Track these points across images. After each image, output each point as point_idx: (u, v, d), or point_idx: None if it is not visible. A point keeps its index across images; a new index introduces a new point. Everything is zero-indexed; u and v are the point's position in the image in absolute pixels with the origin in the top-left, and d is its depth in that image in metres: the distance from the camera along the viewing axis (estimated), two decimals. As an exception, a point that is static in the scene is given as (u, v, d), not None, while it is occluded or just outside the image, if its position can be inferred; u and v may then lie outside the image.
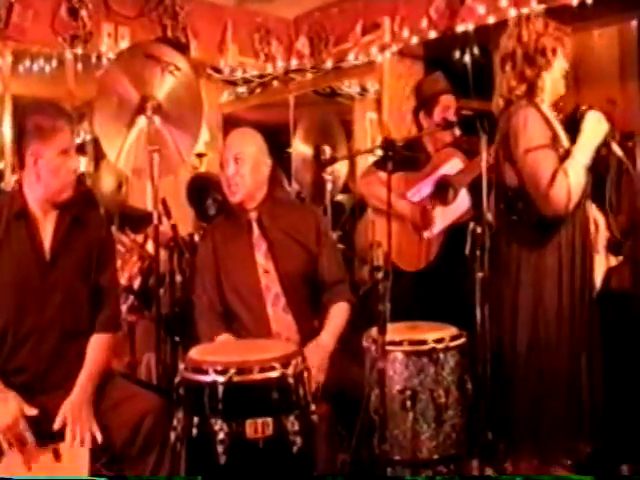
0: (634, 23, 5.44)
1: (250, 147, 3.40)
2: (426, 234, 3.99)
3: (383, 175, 3.96)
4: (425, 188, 4.02)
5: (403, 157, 3.87)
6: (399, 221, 4.04)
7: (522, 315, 3.08)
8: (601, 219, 3.18)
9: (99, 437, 2.75)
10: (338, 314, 3.32)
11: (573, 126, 3.04)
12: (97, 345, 2.93)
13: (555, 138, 3.00)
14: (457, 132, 4.00)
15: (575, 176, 2.91)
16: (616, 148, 2.98)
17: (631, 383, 3.24)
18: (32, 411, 2.71)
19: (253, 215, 3.39)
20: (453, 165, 3.92)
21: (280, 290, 3.31)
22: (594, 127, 2.97)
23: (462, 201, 3.84)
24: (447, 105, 4.16)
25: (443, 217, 3.97)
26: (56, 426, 2.73)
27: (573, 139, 3.02)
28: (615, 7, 4.72)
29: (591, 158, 2.96)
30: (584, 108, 3.01)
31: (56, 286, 2.85)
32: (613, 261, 3.38)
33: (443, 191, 3.98)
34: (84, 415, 2.76)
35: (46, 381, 2.83)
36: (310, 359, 2.90)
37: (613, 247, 3.37)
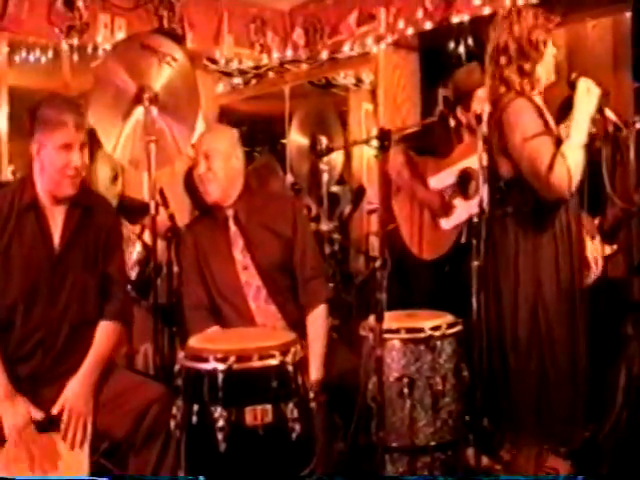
0: (628, 14, 5.45)
1: (219, 143, 3.39)
2: (443, 223, 3.99)
3: (411, 154, 4.00)
4: (448, 177, 4.02)
5: (434, 142, 3.89)
6: (418, 207, 4.04)
7: (521, 302, 3.11)
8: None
9: (89, 428, 2.76)
10: (318, 325, 3.30)
11: (568, 103, 3.07)
12: (104, 332, 2.93)
13: (547, 125, 3.04)
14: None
15: (573, 157, 2.93)
16: (609, 114, 3.00)
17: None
18: (39, 414, 2.73)
19: (230, 212, 3.39)
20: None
21: (261, 283, 3.32)
22: (586, 96, 2.98)
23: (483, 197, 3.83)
24: (483, 98, 4.05)
25: (462, 210, 3.96)
26: (55, 410, 2.75)
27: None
28: (608, -2, 4.74)
29: (588, 130, 2.97)
30: (574, 76, 3.02)
31: (65, 278, 2.86)
32: (608, 250, 3.41)
33: (465, 184, 3.99)
34: (83, 401, 2.77)
35: (54, 372, 2.84)
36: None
37: (607, 236, 3.40)
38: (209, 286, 3.37)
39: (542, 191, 3.01)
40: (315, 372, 3.11)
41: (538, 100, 3.12)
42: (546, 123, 3.05)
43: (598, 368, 3.13)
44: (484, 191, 3.35)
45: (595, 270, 3.41)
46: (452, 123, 4.12)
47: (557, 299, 3.08)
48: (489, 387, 3.07)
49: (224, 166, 3.35)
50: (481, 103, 3.97)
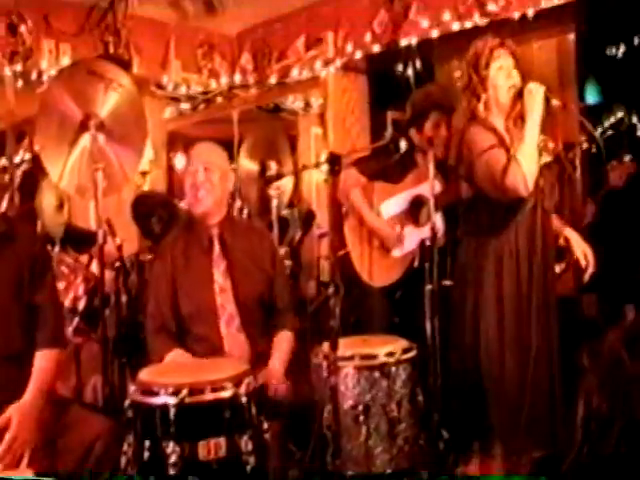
0: (571, 36, 5.56)
1: (219, 159, 3.43)
2: (395, 252, 3.97)
3: (362, 179, 3.99)
4: (400, 203, 4.00)
5: (386, 166, 3.89)
6: (368, 233, 4.02)
7: (483, 325, 3.18)
8: None
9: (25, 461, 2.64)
10: (284, 342, 3.31)
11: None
12: (42, 360, 2.80)
13: (503, 142, 3.16)
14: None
15: (528, 161, 3.05)
16: (555, 102, 3.09)
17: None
18: None
19: (215, 231, 3.35)
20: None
21: (235, 310, 3.28)
22: (531, 97, 3.08)
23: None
24: (438, 121, 4.02)
25: (413, 238, 3.95)
26: None
27: None
28: (553, 20, 4.80)
29: (539, 129, 3.08)
30: (520, 87, 3.14)
31: None
32: (557, 268, 3.44)
33: (417, 210, 3.98)
34: (27, 427, 2.64)
35: None
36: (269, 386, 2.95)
37: (556, 254, 3.43)
38: (180, 304, 3.28)
39: (498, 194, 3.12)
40: (275, 362, 3.16)
41: (499, 122, 3.23)
42: (501, 140, 3.16)
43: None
44: (437, 216, 3.38)
45: None
46: (404, 147, 4.12)
47: (518, 314, 3.17)
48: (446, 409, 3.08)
49: (221, 182, 3.34)
50: (434, 126, 4.01)
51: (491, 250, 3.20)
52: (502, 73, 3.19)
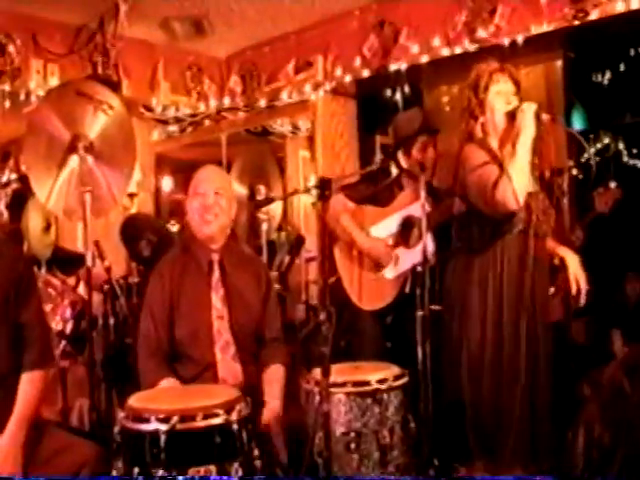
0: (559, 62, 5.60)
1: (227, 184, 3.43)
2: (386, 273, 3.96)
3: (350, 204, 3.98)
4: (390, 225, 3.98)
5: (375, 191, 3.88)
6: (358, 256, 4.00)
7: (472, 345, 3.22)
8: None
9: None
10: (278, 378, 3.24)
11: None
12: (27, 384, 2.73)
13: (496, 159, 3.20)
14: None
15: (518, 176, 3.08)
16: (545, 116, 3.11)
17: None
18: None
19: (215, 257, 3.31)
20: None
21: (231, 338, 3.22)
22: (525, 117, 3.10)
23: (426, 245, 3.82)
24: (425, 144, 4.03)
25: (405, 259, 3.92)
26: None
27: None
28: (541, 47, 4.84)
29: (531, 146, 3.10)
30: (515, 108, 3.18)
31: None
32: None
33: (407, 232, 3.96)
34: (10, 462, 2.58)
35: None
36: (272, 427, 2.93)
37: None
38: (175, 326, 3.22)
39: (488, 208, 3.16)
40: (273, 403, 3.08)
41: (494, 143, 3.28)
42: (495, 158, 3.20)
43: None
44: (428, 239, 3.37)
45: None
46: (394, 171, 4.11)
47: (502, 337, 3.20)
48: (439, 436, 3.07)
49: (228, 207, 3.32)
50: (422, 149, 4.01)
51: (476, 269, 3.25)
52: (500, 97, 3.23)
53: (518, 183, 3.07)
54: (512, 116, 3.18)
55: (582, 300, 3.35)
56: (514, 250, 3.20)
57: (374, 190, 4.06)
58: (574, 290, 3.34)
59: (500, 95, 3.23)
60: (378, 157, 5.73)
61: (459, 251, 3.35)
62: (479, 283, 3.23)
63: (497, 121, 3.25)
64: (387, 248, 3.93)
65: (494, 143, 3.28)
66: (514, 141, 3.14)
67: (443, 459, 3.20)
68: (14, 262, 2.83)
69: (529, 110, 3.09)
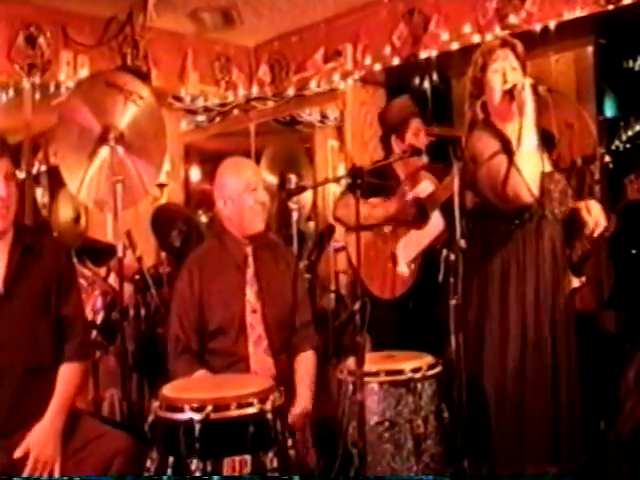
0: (590, 49, 5.53)
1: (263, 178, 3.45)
2: (401, 257, 3.94)
3: (352, 199, 3.95)
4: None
5: (375, 184, 3.85)
6: (374, 247, 3.98)
7: (493, 341, 3.15)
8: None
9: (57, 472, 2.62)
10: (309, 366, 3.23)
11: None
12: (67, 375, 2.78)
13: (506, 145, 3.07)
14: (424, 159, 3.92)
15: (528, 165, 3.00)
16: (542, 88, 2.99)
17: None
18: None
19: (249, 250, 3.28)
20: (424, 188, 3.87)
21: (263, 332, 3.20)
22: (521, 96, 2.99)
23: (436, 223, 3.80)
24: (418, 129, 4.14)
25: (417, 241, 3.92)
26: (17, 454, 2.59)
27: None
28: (571, 33, 4.78)
29: (536, 132, 3.00)
30: (520, 87, 3.03)
31: (14, 321, 2.71)
32: (576, 282, 3.38)
33: (416, 213, 3.95)
34: (50, 447, 2.63)
35: (10, 423, 2.67)
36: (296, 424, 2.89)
37: (575, 268, 3.37)
38: (208, 321, 3.20)
39: (500, 203, 3.08)
40: (303, 402, 3.04)
41: (497, 122, 3.17)
42: (505, 143, 3.08)
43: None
44: (436, 215, 3.35)
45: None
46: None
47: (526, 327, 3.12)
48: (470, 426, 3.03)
49: (270, 201, 3.33)
50: (415, 134, 4.06)
51: (497, 261, 3.15)
52: (497, 76, 3.11)
53: (529, 171, 2.98)
54: (511, 94, 3.04)
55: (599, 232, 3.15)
56: (535, 238, 3.12)
57: (374, 184, 4.04)
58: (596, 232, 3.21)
59: (497, 73, 3.11)
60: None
61: (474, 244, 3.15)
62: (500, 272, 3.14)
63: (496, 100, 3.12)
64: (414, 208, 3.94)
65: (497, 123, 3.16)
66: (520, 123, 3.01)
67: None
68: (54, 256, 2.86)
69: (524, 89, 2.97)
